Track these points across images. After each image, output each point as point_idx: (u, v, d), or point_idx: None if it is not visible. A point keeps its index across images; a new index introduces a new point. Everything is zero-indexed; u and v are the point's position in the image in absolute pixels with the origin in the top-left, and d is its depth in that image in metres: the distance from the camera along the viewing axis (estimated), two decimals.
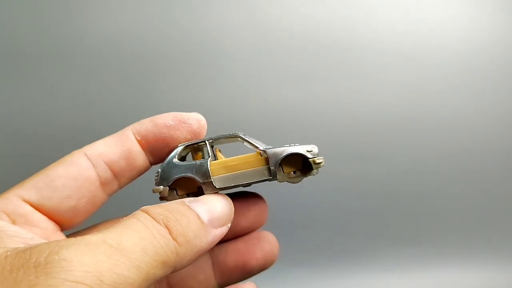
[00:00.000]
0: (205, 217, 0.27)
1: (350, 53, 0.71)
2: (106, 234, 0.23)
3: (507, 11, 0.73)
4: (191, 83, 0.68)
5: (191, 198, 0.29)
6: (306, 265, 0.66)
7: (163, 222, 0.25)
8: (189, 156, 0.35)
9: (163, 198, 0.32)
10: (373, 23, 0.71)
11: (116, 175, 0.31)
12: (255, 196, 0.36)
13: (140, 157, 0.32)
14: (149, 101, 0.67)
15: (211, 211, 0.28)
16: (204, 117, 0.69)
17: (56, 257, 0.20)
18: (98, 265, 0.20)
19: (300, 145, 0.32)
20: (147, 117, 0.64)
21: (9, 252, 0.22)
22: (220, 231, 0.28)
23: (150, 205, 0.32)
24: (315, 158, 0.31)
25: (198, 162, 0.32)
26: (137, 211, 0.26)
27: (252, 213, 0.35)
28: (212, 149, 0.33)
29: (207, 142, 0.33)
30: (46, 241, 0.26)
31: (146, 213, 0.25)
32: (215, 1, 0.69)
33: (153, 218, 0.25)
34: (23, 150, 0.65)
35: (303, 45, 0.70)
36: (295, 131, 0.70)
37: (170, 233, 0.24)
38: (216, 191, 0.31)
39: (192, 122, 0.33)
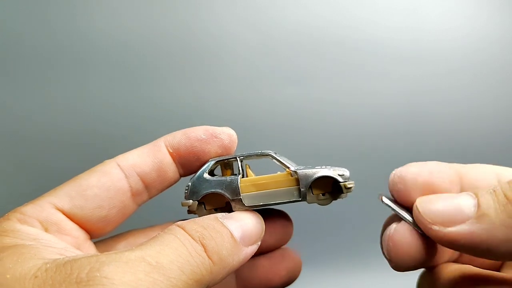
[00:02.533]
0: (237, 235, 0.27)
1: (350, 52, 0.71)
2: (145, 250, 0.23)
3: (506, 10, 0.73)
4: (193, 82, 0.69)
5: (224, 214, 0.29)
6: (307, 265, 0.67)
7: (199, 240, 0.25)
8: (218, 170, 0.35)
9: (191, 212, 0.32)
10: (373, 22, 0.71)
11: (147, 186, 0.31)
12: (281, 214, 0.36)
13: (171, 169, 0.32)
14: (152, 100, 0.68)
15: (244, 229, 0.28)
16: (207, 116, 0.69)
17: (98, 274, 0.20)
18: (138, 283, 0.21)
19: (331, 167, 0.32)
20: (154, 119, 0.65)
21: (48, 265, 0.22)
22: (251, 249, 0.28)
23: (173, 211, 0.32)
24: (346, 183, 0.31)
25: (228, 178, 0.32)
26: (173, 227, 0.26)
27: (278, 231, 0.35)
28: (242, 165, 0.33)
29: (238, 159, 0.33)
30: (79, 251, 0.27)
31: (183, 229, 0.25)
32: (217, 1, 0.69)
33: (189, 235, 0.25)
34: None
35: (304, 44, 0.70)
36: (296, 129, 0.70)
37: (205, 251, 0.25)
38: (244, 208, 0.31)
39: (224, 137, 0.33)
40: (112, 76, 0.67)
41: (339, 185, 0.31)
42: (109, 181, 0.29)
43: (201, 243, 0.25)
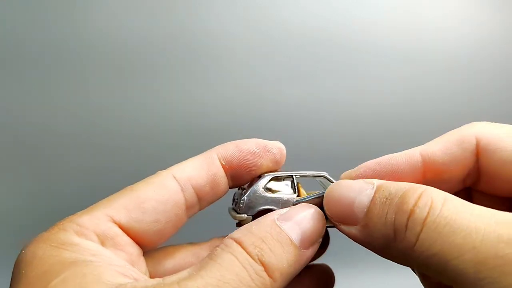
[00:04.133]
0: (297, 239, 0.26)
1: (350, 52, 0.72)
2: (205, 278, 0.22)
3: (505, 10, 0.76)
4: (192, 82, 0.68)
5: (281, 213, 0.27)
6: None
7: (258, 258, 0.24)
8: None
9: (241, 225, 0.32)
10: (372, 22, 0.72)
11: (200, 199, 0.30)
12: None
13: (223, 182, 0.31)
14: (150, 101, 0.67)
15: (303, 230, 0.26)
16: (205, 117, 0.68)
17: None
18: None
19: None
20: (154, 119, 0.64)
21: None
22: (312, 251, 0.27)
23: (214, 222, 0.31)
24: None
25: (284, 197, 0.31)
26: (230, 242, 0.25)
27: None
28: (294, 183, 0.33)
29: (294, 177, 0.32)
30: (135, 269, 0.26)
31: (240, 245, 0.24)
32: (220, 3, 0.68)
33: (247, 253, 0.24)
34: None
35: (303, 44, 0.71)
36: (295, 130, 0.71)
37: (265, 270, 0.24)
38: None
39: (275, 151, 0.32)
40: (112, 76, 0.66)
41: None
42: (167, 194, 0.28)
43: (260, 261, 0.24)
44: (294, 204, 0.31)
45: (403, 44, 0.73)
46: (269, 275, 0.24)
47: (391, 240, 0.23)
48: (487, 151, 0.28)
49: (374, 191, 0.25)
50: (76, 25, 0.64)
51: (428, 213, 0.22)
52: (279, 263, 0.24)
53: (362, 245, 0.26)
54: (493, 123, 0.30)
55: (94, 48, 0.65)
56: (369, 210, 0.25)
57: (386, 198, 0.24)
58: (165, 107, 0.67)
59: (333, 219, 0.27)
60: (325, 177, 0.33)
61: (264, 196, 0.31)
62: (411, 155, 0.30)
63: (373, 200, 0.25)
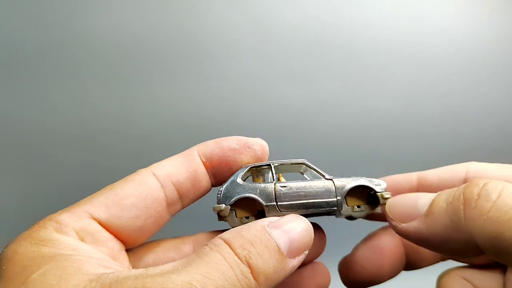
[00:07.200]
0: (285, 248, 0.26)
1: (351, 52, 0.72)
2: (191, 274, 0.22)
3: (506, 11, 0.75)
4: (191, 82, 0.69)
5: (271, 221, 0.27)
6: None
7: (246, 260, 0.24)
8: (249, 180, 0.34)
9: (222, 218, 0.32)
10: (373, 23, 0.72)
11: (181, 196, 0.31)
12: (315, 226, 0.35)
13: (205, 179, 0.32)
14: (149, 101, 0.68)
15: (292, 240, 0.27)
16: (205, 117, 0.69)
17: None
18: None
19: (366, 178, 0.32)
20: (154, 120, 0.65)
21: (93, 283, 0.21)
22: (298, 260, 0.27)
23: (200, 219, 0.31)
24: (383, 192, 0.31)
25: (262, 184, 0.31)
26: (219, 242, 0.25)
27: (314, 245, 0.34)
28: (275, 172, 0.33)
29: (272, 166, 0.32)
30: (117, 263, 0.26)
31: (229, 246, 0.25)
32: (216, 1, 0.69)
33: (235, 254, 0.24)
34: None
35: (304, 45, 0.71)
36: (295, 130, 0.71)
37: (251, 272, 0.24)
38: (278, 215, 0.31)
39: (256, 148, 0.32)
40: (110, 78, 0.67)
41: (376, 196, 0.31)
42: (146, 190, 0.29)
43: (247, 263, 0.24)
44: (273, 188, 0.31)
45: (403, 46, 0.73)
46: (254, 277, 0.24)
47: (458, 213, 0.24)
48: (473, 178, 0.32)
49: (438, 194, 0.27)
50: (74, 25, 0.66)
51: (503, 186, 0.24)
52: (265, 267, 0.25)
53: (420, 243, 0.27)
54: (486, 162, 0.34)
55: (91, 48, 0.66)
56: (434, 200, 0.26)
57: (452, 189, 0.26)
58: (164, 108, 0.68)
59: (394, 219, 0.29)
60: (303, 163, 0.33)
61: (241, 185, 0.31)
62: (410, 175, 0.35)
63: (439, 194, 0.27)
